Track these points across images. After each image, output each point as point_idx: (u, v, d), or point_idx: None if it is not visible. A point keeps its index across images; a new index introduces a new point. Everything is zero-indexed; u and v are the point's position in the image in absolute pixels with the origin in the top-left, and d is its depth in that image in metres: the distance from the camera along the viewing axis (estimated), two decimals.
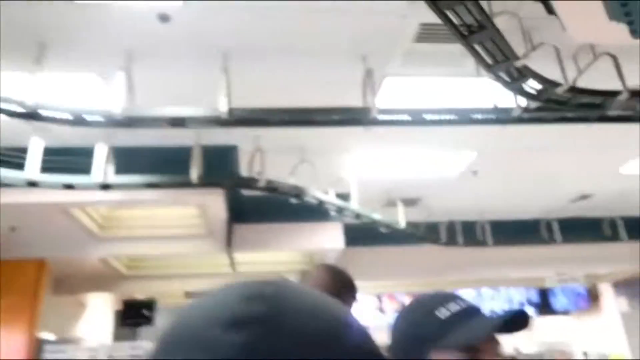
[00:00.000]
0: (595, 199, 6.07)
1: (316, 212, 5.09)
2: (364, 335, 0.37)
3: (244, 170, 4.14)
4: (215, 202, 4.08)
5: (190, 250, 5.06)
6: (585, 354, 7.73)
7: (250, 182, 3.78)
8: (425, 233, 5.96)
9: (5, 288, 4.49)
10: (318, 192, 4.32)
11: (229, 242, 4.91)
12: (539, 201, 6.07)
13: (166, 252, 5.13)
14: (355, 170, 4.72)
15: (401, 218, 5.41)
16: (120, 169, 3.46)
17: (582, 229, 6.52)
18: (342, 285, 1.55)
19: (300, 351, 0.32)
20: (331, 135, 4.03)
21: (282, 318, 0.34)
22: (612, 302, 8.03)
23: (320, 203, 4.50)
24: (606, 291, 8.18)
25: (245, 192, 5.19)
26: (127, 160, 3.59)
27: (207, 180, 3.49)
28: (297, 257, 6.10)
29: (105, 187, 3.31)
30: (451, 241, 6.13)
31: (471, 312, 0.89)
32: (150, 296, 6.61)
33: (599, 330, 8.36)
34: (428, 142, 4.33)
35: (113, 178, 3.36)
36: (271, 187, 3.92)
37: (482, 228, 6.34)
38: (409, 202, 5.71)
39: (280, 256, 5.71)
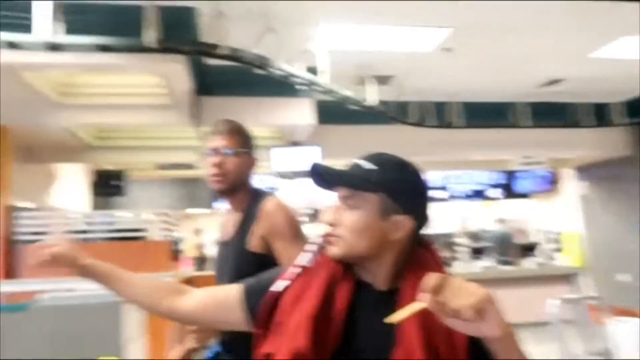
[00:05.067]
0: (564, 84, 6.05)
1: (285, 88, 4.99)
2: None
3: (204, 37, 3.97)
4: (177, 70, 3.93)
5: (154, 121, 4.99)
6: (539, 231, 8.27)
7: (211, 49, 3.63)
8: (395, 112, 5.96)
9: None
10: (285, 64, 4.20)
11: (195, 115, 4.85)
12: (510, 84, 6.03)
13: (129, 122, 5.05)
14: (325, 44, 4.55)
15: (372, 96, 5.37)
16: (72, 31, 3.27)
17: (549, 114, 6.59)
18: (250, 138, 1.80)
19: None
20: (298, 3, 3.84)
21: None
22: (571, 186, 8.41)
23: (287, 76, 4.40)
24: (567, 175, 8.52)
25: (211, 63, 5.03)
26: (79, 19, 3.39)
27: (164, 45, 3.32)
28: (266, 133, 6.11)
29: (54, 47, 3.14)
30: (421, 121, 6.16)
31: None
32: (120, 167, 6.69)
33: (557, 212, 8.87)
34: (401, 17, 4.15)
35: (62, 38, 3.18)
36: (234, 56, 3.77)
37: (452, 109, 6.36)
38: (381, 80, 5.63)
39: None
